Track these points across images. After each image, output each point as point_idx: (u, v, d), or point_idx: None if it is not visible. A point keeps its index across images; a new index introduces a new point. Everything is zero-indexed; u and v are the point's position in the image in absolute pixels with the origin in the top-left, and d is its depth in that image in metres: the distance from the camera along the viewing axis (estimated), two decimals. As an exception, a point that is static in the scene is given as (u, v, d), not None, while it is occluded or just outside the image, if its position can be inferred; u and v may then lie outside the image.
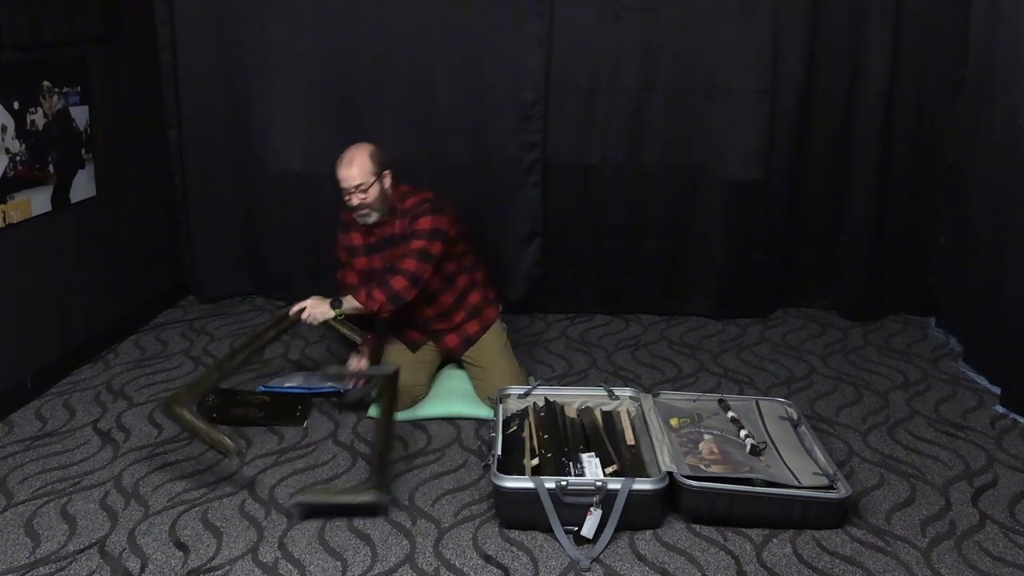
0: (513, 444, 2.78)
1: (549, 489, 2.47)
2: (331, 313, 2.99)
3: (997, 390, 3.41)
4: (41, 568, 2.35)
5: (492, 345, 3.30)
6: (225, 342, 3.87)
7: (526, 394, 3.08)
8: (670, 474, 2.55)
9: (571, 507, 2.47)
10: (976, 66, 3.69)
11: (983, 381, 3.53)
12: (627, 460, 2.73)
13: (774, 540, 2.50)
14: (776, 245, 4.18)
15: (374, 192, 3.06)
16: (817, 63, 3.92)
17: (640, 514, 2.51)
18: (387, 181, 3.11)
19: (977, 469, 2.89)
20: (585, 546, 2.45)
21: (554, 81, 3.92)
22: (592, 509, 2.46)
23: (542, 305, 4.24)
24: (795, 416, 2.98)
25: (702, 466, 2.63)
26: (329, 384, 3.35)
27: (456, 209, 3.19)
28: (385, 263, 3.15)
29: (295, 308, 3.00)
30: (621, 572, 2.36)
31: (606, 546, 2.44)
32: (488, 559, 2.41)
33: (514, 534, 2.51)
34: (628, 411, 3.04)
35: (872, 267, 4.14)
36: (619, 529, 2.47)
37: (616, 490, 2.46)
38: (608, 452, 2.73)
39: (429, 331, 3.32)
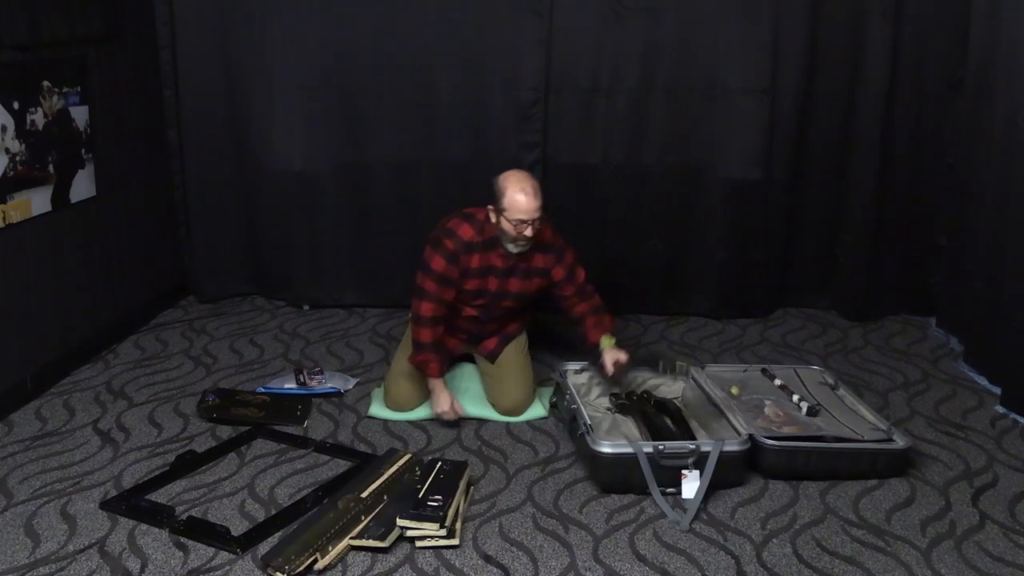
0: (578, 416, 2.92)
1: (647, 453, 2.66)
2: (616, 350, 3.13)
3: (997, 390, 3.41)
4: (41, 568, 2.35)
5: (515, 349, 3.28)
6: (225, 342, 3.87)
7: (582, 370, 3.26)
8: (751, 436, 2.75)
9: (667, 469, 2.67)
10: (976, 66, 3.69)
11: (983, 381, 3.53)
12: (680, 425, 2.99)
13: (774, 540, 2.50)
14: (776, 245, 4.18)
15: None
16: (817, 63, 3.93)
17: (727, 474, 2.71)
18: None
19: (977, 469, 2.89)
20: (677, 509, 2.61)
21: (554, 81, 3.92)
22: (686, 472, 2.64)
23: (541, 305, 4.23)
24: (831, 381, 3.26)
25: (774, 428, 2.88)
26: (329, 384, 3.36)
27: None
28: (521, 288, 3.12)
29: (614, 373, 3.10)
30: (621, 572, 2.36)
31: (699, 506, 2.61)
32: (488, 559, 2.41)
33: (514, 534, 2.51)
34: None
35: (872, 267, 4.14)
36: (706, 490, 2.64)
37: (707, 452, 2.66)
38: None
39: (475, 338, 3.28)
